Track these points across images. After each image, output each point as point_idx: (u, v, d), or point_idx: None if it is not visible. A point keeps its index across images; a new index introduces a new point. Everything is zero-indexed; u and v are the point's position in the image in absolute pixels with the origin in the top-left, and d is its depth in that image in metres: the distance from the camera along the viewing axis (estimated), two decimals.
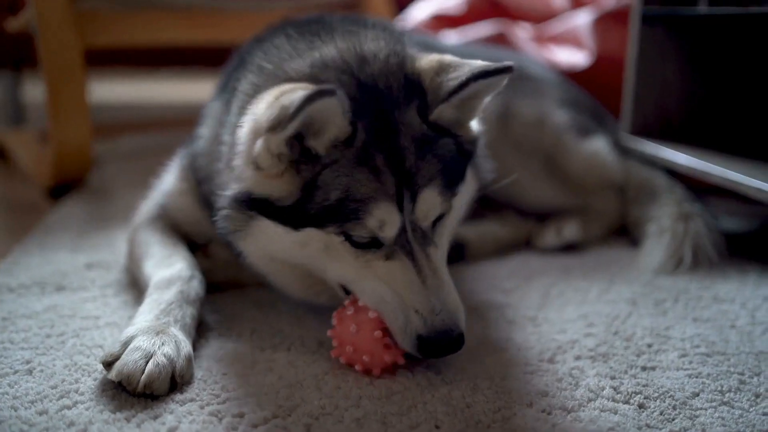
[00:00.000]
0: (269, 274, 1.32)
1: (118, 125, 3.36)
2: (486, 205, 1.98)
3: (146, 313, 1.20)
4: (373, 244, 1.17)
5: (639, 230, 1.87)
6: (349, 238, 1.17)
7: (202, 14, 2.61)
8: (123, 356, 1.08)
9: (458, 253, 1.75)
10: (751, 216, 2.13)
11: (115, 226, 1.94)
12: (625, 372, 1.20)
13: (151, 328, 1.14)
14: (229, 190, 1.23)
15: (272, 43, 1.36)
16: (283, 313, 1.41)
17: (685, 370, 1.21)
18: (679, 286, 1.58)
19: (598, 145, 1.96)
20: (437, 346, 1.13)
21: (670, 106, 2.10)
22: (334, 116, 1.10)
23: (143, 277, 1.40)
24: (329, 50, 1.25)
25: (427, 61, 1.24)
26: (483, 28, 2.70)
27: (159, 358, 1.08)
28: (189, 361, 1.13)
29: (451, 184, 1.22)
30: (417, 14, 3.02)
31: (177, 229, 1.56)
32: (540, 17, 2.87)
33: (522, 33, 2.73)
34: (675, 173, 1.92)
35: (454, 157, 1.23)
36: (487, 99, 1.26)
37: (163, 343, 1.11)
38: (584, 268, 1.71)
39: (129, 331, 1.14)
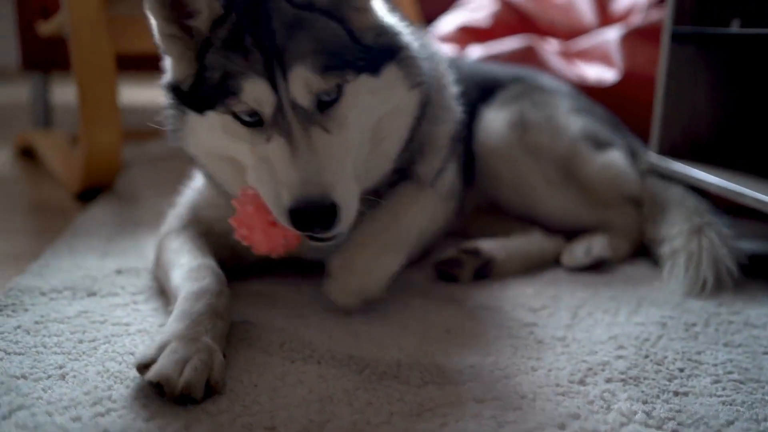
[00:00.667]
0: (214, 173, 1.46)
1: (146, 129, 3.39)
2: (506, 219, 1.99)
3: (178, 322, 1.21)
4: (259, 122, 1.28)
5: (655, 250, 1.85)
6: (237, 117, 1.28)
7: None
8: (160, 359, 1.10)
9: (484, 270, 1.75)
10: None
11: (143, 232, 1.96)
12: (657, 396, 1.19)
13: (185, 336, 1.16)
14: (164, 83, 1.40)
15: None
16: (312, 325, 1.41)
17: (719, 396, 1.20)
18: (709, 310, 1.57)
19: (613, 156, 1.96)
20: (306, 217, 1.21)
21: (700, 126, 2.08)
22: None
23: (171, 287, 1.41)
24: None
25: None
26: (510, 43, 2.70)
27: (196, 362, 1.10)
28: (222, 368, 1.15)
29: (335, 65, 1.27)
30: (444, 26, 3.03)
31: (208, 232, 1.57)
32: (569, 33, 2.87)
33: (549, 48, 2.73)
34: (707, 194, 1.90)
35: (339, 41, 1.30)
36: None
37: (198, 350, 1.13)
38: (612, 288, 1.70)
39: (163, 337, 1.16)
